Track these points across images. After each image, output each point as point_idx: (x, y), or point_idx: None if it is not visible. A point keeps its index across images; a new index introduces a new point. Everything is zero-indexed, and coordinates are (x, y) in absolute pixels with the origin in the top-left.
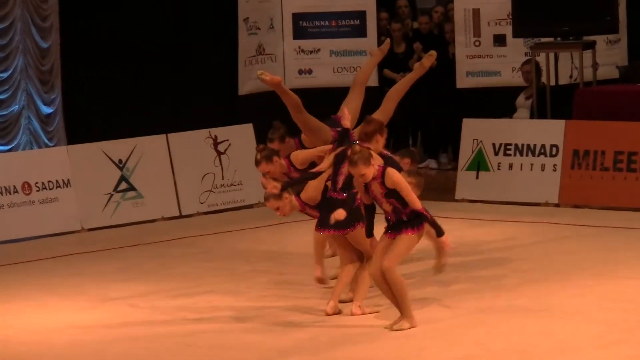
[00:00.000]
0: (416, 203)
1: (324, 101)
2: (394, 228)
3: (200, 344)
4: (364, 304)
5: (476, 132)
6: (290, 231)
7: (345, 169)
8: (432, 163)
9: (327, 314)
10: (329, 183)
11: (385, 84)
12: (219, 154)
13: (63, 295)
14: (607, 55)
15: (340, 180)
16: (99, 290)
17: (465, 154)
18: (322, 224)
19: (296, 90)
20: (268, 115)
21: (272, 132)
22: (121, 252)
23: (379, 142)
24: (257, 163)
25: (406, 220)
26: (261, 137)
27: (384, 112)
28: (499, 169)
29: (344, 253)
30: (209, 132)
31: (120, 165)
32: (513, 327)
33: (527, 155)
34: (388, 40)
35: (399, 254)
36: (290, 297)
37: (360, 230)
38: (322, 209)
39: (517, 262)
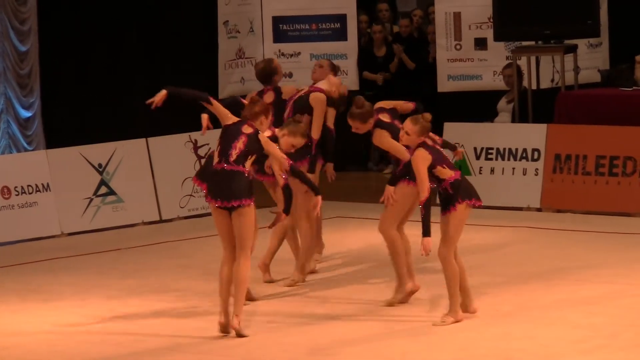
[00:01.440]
0: (404, 154)
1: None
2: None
3: (183, 347)
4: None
5: (457, 136)
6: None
7: (239, 142)
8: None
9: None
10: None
11: (365, 87)
12: (199, 158)
13: (42, 300)
14: (589, 59)
15: (234, 153)
16: (78, 294)
17: None
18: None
19: None
20: None
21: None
22: (101, 257)
23: (264, 123)
24: None
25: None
26: None
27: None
28: (480, 173)
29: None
30: (189, 136)
31: (100, 170)
32: (497, 332)
33: (508, 159)
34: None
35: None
36: (270, 299)
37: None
38: (209, 180)
39: (499, 267)
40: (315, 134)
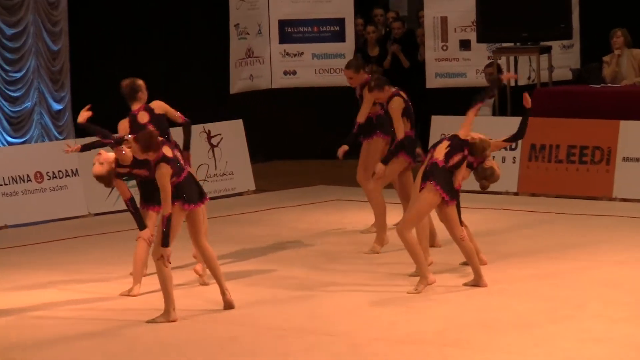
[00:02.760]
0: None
1: (307, 99)
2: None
3: (196, 318)
4: None
5: (444, 127)
6: (276, 216)
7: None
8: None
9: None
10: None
11: None
12: (212, 146)
13: (68, 273)
14: (562, 59)
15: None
16: (102, 268)
17: None
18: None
19: (281, 90)
20: (256, 112)
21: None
22: (124, 235)
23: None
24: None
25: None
26: (250, 131)
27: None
28: None
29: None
30: (203, 127)
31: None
32: (476, 304)
33: None
34: None
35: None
36: (275, 272)
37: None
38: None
39: (479, 245)
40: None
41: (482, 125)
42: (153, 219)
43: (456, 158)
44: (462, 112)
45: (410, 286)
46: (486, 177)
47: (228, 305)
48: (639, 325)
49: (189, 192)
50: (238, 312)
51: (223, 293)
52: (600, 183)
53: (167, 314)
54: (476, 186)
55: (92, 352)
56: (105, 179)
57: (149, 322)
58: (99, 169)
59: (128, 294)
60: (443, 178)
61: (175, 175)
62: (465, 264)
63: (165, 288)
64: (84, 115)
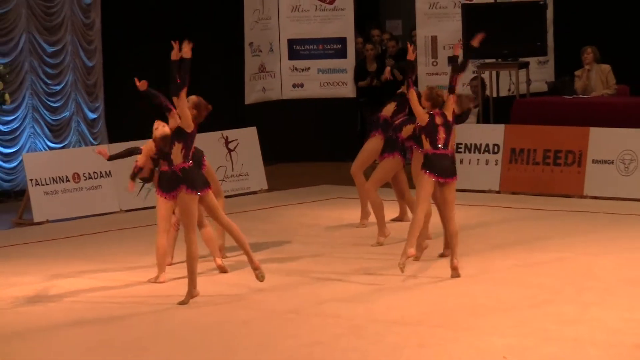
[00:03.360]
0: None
1: (313, 108)
2: None
3: (216, 299)
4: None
5: None
6: (285, 212)
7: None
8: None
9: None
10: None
11: (361, 94)
12: (229, 151)
13: (102, 262)
14: (538, 73)
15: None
16: (132, 259)
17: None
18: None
19: (290, 100)
20: (268, 120)
21: None
22: (152, 229)
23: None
24: None
25: None
26: (263, 137)
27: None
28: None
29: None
30: (222, 133)
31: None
32: (462, 290)
33: (474, 152)
34: None
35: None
36: (284, 261)
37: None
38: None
39: (466, 238)
40: None
41: (467, 132)
42: (169, 206)
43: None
44: None
45: (405, 274)
46: (469, 99)
47: (258, 274)
48: (609, 308)
49: (195, 178)
50: (251, 298)
51: (251, 261)
52: (573, 183)
53: (190, 293)
54: (463, 185)
55: (122, 332)
56: (167, 141)
57: (180, 303)
58: (166, 129)
59: (155, 280)
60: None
61: (185, 158)
62: (442, 255)
63: (190, 266)
64: (144, 83)
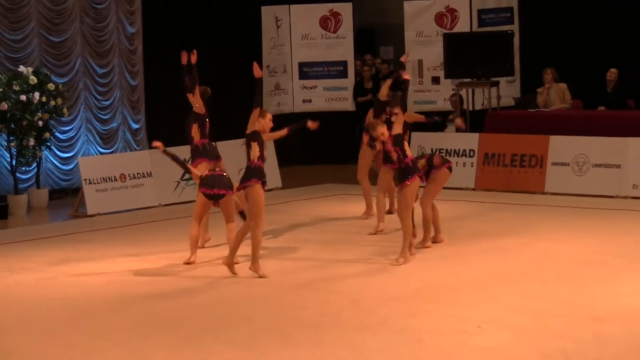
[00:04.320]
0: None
1: (319, 119)
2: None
3: (234, 280)
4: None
5: (420, 140)
6: (296, 207)
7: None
8: None
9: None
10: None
11: (359, 108)
12: None
13: (145, 246)
14: (507, 90)
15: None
16: (171, 245)
17: (414, 155)
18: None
19: (300, 113)
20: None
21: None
22: (187, 220)
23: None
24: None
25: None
26: (278, 144)
27: None
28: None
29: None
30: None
31: (185, 162)
32: (443, 271)
33: (454, 156)
34: None
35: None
36: (295, 248)
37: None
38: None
39: (447, 227)
40: None
41: (448, 139)
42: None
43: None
44: (434, 129)
45: (392, 259)
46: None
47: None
48: (566, 285)
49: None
50: (272, 276)
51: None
52: (535, 181)
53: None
54: (445, 184)
55: (160, 305)
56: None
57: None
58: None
59: (187, 261)
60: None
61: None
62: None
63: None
64: (158, 144)
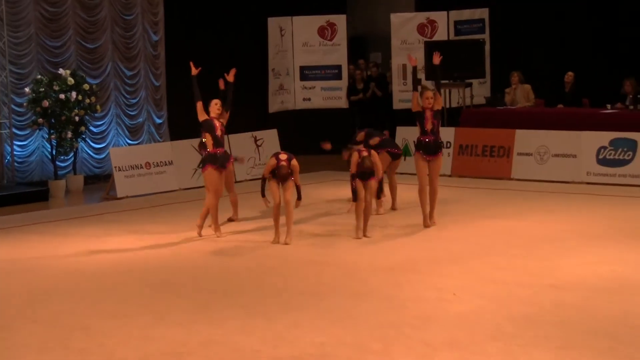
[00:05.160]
0: None
1: (318, 116)
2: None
3: (246, 251)
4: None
5: (404, 134)
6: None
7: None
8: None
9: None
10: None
11: (352, 105)
12: (257, 146)
13: (165, 226)
14: (479, 90)
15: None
16: (189, 224)
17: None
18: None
19: (301, 110)
20: (285, 124)
21: None
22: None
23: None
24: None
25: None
26: (282, 137)
27: None
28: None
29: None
30: (252, 134)
31: (201, 152)
32: (425, 245)
33: None
34: None
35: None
36: (297, 225)
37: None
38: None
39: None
40: None
41: None
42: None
43: None
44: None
45: (376, 235)
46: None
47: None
48: (529, 259)
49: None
50: (277, 250)
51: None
52: (503, 169)
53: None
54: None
55: (179, 274)
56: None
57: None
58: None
59: (216, 235)
60: None
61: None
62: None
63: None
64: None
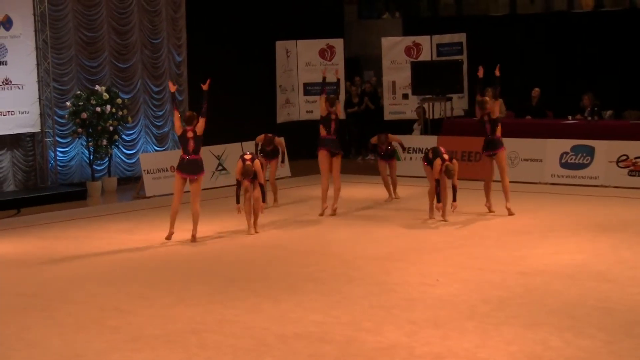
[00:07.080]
0: None
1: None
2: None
3: (253, 241)
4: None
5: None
6: (299, 190)
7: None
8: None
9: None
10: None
11: (348, 117)
12: (257, 153)
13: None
14: (458, 103)
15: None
16: (208, 219)
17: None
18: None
19: (305, 121)
20: (291, 133)
21: None
22: (220, 202)
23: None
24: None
25: None
26: (288, 144)
27: None
28: (405, 160)
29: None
30: (255, 142)
31: (218, 157)
32: (412, 236)
33: (419, 153)
34: None
35: None
36: (298, 220)
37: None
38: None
39: (418, 204)
40: None
41: (415, 140)
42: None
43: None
44: (403, 133)
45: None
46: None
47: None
48: (501, 249)
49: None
50: (278, 242)
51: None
52: (480, 171)
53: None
54: (411, 173)
55: (186, 263)
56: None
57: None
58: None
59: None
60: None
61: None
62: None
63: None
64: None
